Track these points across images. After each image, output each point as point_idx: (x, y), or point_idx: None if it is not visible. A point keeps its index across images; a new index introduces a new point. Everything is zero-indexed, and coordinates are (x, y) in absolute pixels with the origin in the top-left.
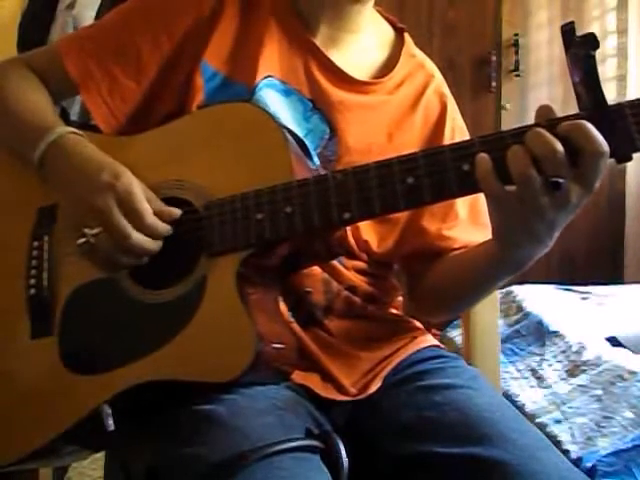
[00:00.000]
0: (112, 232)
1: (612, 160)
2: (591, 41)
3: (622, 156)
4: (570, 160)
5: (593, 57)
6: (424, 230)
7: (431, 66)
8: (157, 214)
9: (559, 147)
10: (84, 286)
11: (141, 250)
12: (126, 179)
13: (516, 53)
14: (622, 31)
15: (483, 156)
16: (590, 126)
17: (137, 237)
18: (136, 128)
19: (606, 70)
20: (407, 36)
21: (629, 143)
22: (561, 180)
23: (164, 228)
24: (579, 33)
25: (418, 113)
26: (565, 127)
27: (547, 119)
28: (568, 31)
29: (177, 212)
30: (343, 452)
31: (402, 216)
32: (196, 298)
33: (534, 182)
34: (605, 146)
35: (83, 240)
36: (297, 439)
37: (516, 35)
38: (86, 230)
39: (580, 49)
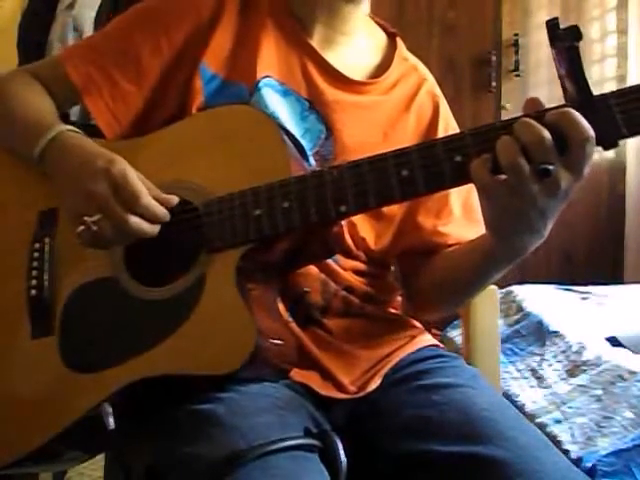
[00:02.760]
0: (109, 217)
1: (600, 148)
2: (574, 32)
3: (608, 143)
4: (558, 147)
5: (577, 48)
6: (419, 226)
7: (423, 69)
8: (155, 199)
9: (546, 134)
10: (84, 286)
11: (138, 232)
12: (120, 164)
13: (516, 53)
14: (622, 31)
15: (486, 157)
16: (576, 113)
17: (133, 220)
18: (138, 131)
19: (606, 70)
20: (399, 40)
21: (614, 130)
22: (550, 167)
23: (161, 211)
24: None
25: (412, 114)
26: (552, 116)
27: (535, 110)
28: (552, 26)
29: (174, 199)
30: (341, 451)
31: (398, 213)
32: (196, 294)
33: (523, 170)
34: (590, 131)
35: (82, 228)
36: (295, 438)
37: (516, 35)
38: (86, 218)
39: (564, 41)
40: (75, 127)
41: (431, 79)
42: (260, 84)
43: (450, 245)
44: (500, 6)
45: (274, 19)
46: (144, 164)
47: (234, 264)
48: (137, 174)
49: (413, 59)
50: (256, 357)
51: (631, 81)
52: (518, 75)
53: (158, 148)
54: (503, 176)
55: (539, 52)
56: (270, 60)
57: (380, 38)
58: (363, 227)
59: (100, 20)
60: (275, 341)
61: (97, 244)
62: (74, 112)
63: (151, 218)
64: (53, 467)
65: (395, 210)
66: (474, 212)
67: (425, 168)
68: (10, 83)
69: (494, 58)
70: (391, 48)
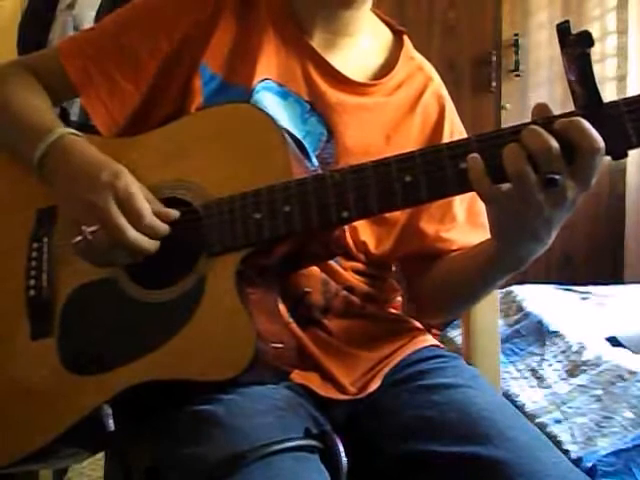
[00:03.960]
0: (110, 230)
1: (609, 158)
2: (586, 39)
3: (618, 153)
4: (566, 157)
5: (588, 55)
6: (422, 232)
7: (429, 68)
8: (156, 215)
9: (554, 143)
10: (83, 287)
11: (138, 249)
12: (125, 178)
13: (516, 53)
14: (622, 31)
15: (474, 156)
16: (586, 123)
17: (135, 236)
18: (135, 130)
19: (606, 70)
20: (406, 38)
21: (624, 140)
22: (557, 177)
23: (163, 228)
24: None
25: (416, 115)
26: (561, 124)
27: (543, 117)
28: (563, 30)
29: (175, 213)
30: (342, 452)
31: (400, 218)
32: (195, 297)
33: (529, 179)
34: (601, 142)
35: (79, 238)
36: (296, 439)
37: (516, 35)
38: (84, 227)
39: (575, 47)
40: (75, 128)
41: (437, 79)
42: (258, 87)
43: (453, 251)
44: (500, 6)
45: (274, 22)
46: (143, 163)
47: (234, 268)
48: (140, 186)
49: (419, 58)
50: (256, 361)
51: (631, 81)
52: (518, 75)
53: (157, 146)
54: (508, 184)
55: (539, 52)
56: (270, 63)
57: (385, 37)
58: (364, 231)
59: (100, 20)
60: (275, 344)
61: (91, 255)
62: (74, 112)
63: (152, 236)
64: (52, 464)
65: (397, 215)
66: (479, 217)
67: (429, 174)
68: (6, 80)
69: (494, 58)
70: (397, 47)
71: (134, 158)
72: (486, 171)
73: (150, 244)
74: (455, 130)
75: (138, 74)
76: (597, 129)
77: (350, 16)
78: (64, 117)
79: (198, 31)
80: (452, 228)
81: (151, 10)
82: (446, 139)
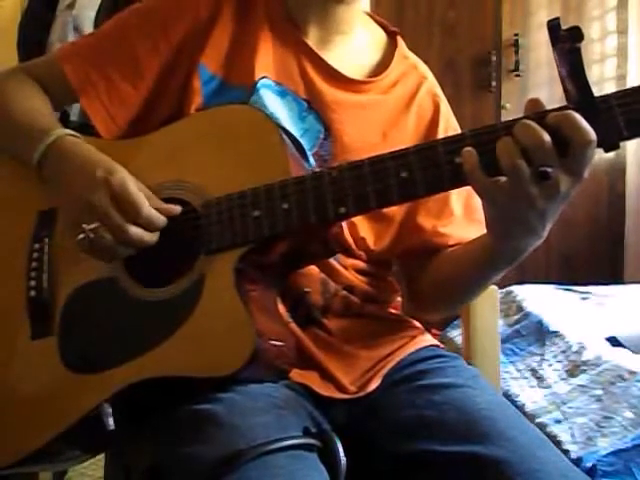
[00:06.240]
0: (109, 226)
1: (604, 153)
2: (576, 34)
3: (609, 145)
4: (558, 150)
5: (578, 49)
6: (420, 227)
7: (424, 68)
8: (156, 210)
9: (546, 137)
10: (84, 286)
11: (138, 242)
12: (119, 174)
13: (516, 53)
14: (622, 31)
15: (469, 150)
16: (577, 116)
17: (133, 230)
18: (135, 132)
19: (606, 70)
20: (400, 39)
21: (616, 132)
22: (550, 170)
23: (161, 220)
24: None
25: (411, 113)
26: (553, 118)
27: (536, 111)
28: (554, 26)
29: (177, 209)
30: (340, 451)
31: (398, 213)
32: (195, 295)
33: (523, 172)
34: (592, 135)
35: (82, 236)
36: (294, 437)
37: (516, 35)
38: (84, 225)
39: (566, 42)
40: (74, 128)
41: (431, 78)
42: (258, 85)
43: (451, 246)
44: (500, 6)
45: (270, 21)
46: (143, 164)
47: (233, 265)
48: (136, 182)
49: (413, 57)
50: (256, 358)
51: (631, 81)
52: (518, 75)
53: (157, 148)
54: (503, 178)
55: (539, 52)
56: (267, 62)
57: (379, 37)
58: (363, 227)
59: (100, 20)
60: (275, 342)
61: (95, 252)
62: (74, 112)
63: (151, 229)
64: (53, 466)
65: (395, 211)
66: (475, 212)
67: (425, 170)
68: (6, 84)
69: (494, 58)
70: (391, 46)
71: (134, 160)
72: (481, 165)
73: (149, 236)
74: (450, 127)
75: (138, 76)
76: (589, 122)
77: (344, 12)
78: (64, 117)
79: (196, 32)
80: (449, 223)
81: (149, 12)
82: (441, 136)
